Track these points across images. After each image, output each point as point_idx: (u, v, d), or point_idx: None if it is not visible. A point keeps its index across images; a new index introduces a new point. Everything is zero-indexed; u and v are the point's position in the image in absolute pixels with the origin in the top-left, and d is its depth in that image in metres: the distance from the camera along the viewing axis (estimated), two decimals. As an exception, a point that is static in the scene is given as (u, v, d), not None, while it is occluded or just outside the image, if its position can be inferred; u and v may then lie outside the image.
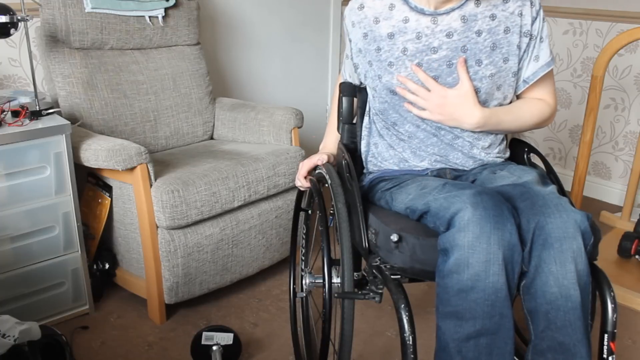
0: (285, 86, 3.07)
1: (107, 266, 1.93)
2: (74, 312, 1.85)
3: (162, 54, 2.19)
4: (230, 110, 2.28)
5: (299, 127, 2.14)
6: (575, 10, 2.77)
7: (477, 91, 1.29)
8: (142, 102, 2.09)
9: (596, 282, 1.15)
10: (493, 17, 1.28)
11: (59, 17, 1.90)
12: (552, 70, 1.36)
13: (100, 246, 1.94)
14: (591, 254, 1.11)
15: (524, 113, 1.36)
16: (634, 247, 2.18)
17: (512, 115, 1.35)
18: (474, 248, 1.04)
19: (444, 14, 1.28)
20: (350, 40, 1.40)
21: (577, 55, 2.84)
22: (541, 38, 1.32)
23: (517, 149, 1.46)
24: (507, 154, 1.44)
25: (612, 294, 1.12)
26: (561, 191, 1.26)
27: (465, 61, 1.28)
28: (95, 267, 1.92)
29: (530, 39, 1.31)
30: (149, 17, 2.12)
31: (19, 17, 1.62)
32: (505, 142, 1.44)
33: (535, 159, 1.43)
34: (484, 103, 1.31)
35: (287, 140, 2.13)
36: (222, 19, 2.69)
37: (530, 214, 1.09)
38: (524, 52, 1.32)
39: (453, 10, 1.28)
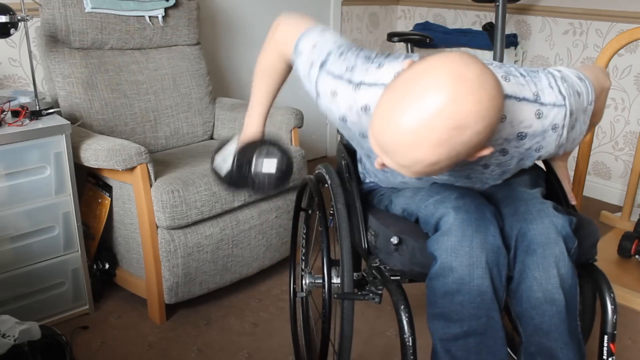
0: (285, 86, 3.06)
1: (107, 266, 1.93)
2: (74, 312, 1.85)
3: (162, 54, 2.19)
4: (230, 110, 2.28)
5: (299, 127, 2.14)
6: (575, 10, 2.77)
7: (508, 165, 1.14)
8: (142, 102, 2.09)
9: (595, 283, 1.15)
10: (504, 152, 1.07)
11: (59, 17, 1.90)
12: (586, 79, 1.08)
13: (100, 246, 1.94)
14: (582, 256, 1.11)
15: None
16: (634, 247, 2.18)
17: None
18: (457, 252, 1.05)
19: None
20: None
21: (577, 55, 2.84)
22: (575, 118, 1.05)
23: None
24: None
25: (612, 295, 1.12)
26: (561, 191, 1.26)
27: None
28: (95, 267, 1.92)
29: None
30: (149, 17, 2.11)
31: (19, 17, 1.62)
32: None
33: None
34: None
35: (287, 140, 2.13)
36: (222, 19, 2.69)
37: (513, 220, 1.10)
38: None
39: None
